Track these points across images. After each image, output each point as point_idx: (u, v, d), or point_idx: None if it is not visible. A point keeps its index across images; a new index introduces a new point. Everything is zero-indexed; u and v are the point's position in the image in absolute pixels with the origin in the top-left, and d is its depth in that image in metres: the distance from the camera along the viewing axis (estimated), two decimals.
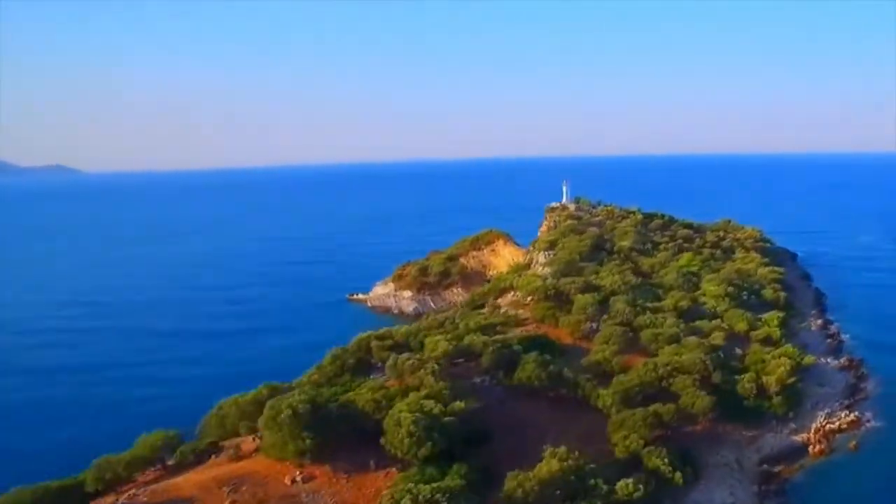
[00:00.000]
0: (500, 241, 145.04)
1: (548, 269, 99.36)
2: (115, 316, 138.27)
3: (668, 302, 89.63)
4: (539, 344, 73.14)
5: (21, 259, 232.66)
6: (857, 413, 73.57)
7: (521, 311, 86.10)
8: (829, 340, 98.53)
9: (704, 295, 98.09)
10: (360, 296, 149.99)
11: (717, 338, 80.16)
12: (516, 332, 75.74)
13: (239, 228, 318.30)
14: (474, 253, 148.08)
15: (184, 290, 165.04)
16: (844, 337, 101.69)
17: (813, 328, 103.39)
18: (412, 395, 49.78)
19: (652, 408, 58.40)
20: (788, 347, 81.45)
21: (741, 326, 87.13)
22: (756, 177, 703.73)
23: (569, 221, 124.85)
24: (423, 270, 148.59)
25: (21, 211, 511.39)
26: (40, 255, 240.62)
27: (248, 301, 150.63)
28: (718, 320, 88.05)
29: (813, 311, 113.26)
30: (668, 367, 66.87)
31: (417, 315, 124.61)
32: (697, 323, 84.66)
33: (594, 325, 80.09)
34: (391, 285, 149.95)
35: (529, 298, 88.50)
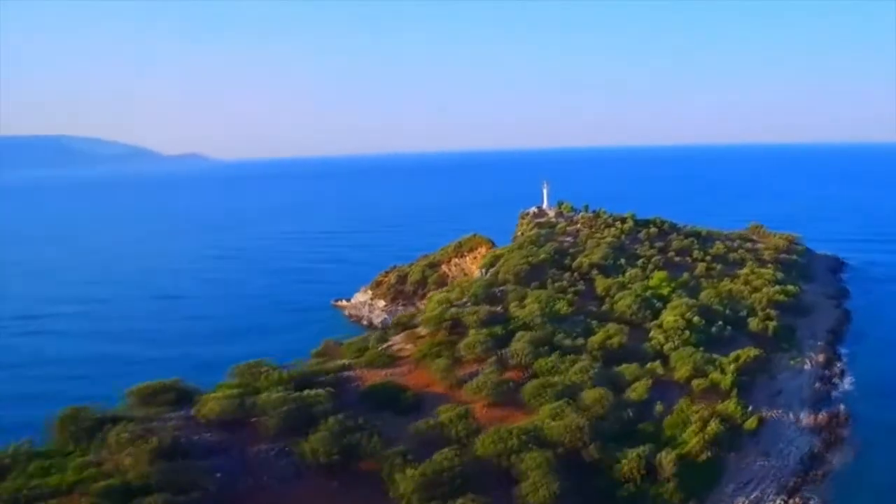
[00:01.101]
0: (484, 248, 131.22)
1: (472, 290, 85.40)
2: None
3: (596, 338, 73.99)
4: (386, 395, 60.54)
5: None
6: (798, 501, 56.20)
7: (409, 347, 73.21)
8: (818, 385, 79.42)
9: (661, 326, 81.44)
10: (343, 302, 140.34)
11: (639, 389, 64.36)
12: (366, 378, 63.33)
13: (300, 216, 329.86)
14: (457, 260, 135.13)
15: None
16: (846, 381, 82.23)
17: (808, 366, 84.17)
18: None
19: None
20: (730, 403, 64.53)
21: (682, 372, 70.51)
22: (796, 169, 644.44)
23: (534, 231, 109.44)
24: (403, 278, 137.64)
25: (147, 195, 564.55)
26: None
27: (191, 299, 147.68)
28: (658, 363, 71.74)
29: (821, 343, 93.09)
30: (523, 437, 52.56)
31: (386, 328, 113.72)
32: (622, 368, 68.79)
33: (480, 369, 66.16)
34: (369, 293, 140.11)
35: (425, 331, 75.44)
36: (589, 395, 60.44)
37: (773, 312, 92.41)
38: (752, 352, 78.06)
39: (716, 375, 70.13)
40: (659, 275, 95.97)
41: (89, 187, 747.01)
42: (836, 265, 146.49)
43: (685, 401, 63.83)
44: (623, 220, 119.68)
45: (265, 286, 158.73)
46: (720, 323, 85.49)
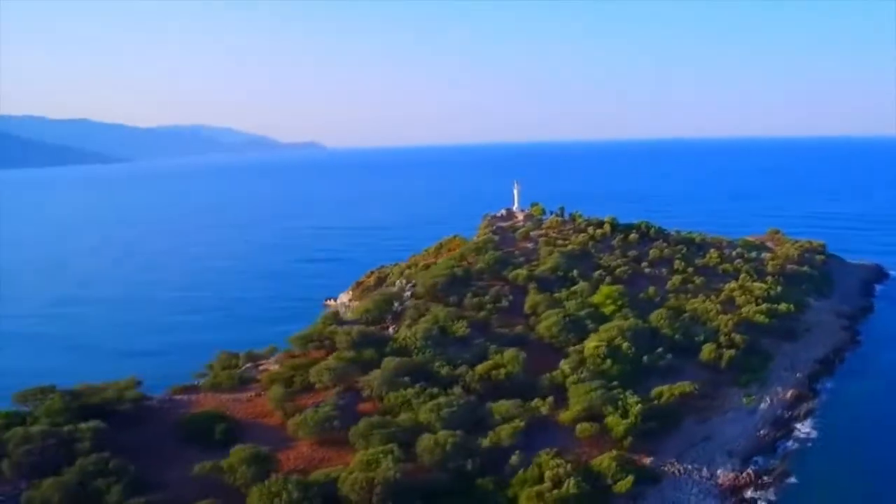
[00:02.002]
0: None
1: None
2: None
3: (481, 367, 64.33)
4: (197, 426, 53.93)
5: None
6: None
7: (274, 368, 66.12)
8: (764, 431, 66.17)
9: (582, 352, 70.41)
10: (332, 301, 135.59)
11: (503, 433, 54.42)
12: (199, 403, 56.93)
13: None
14: (434, 262, 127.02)
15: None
16: (806, 427, 68.37)
17: (765, 405, 70.84)
18: None
19: None
20: (606, 457, 53.55)
21: (569, 413, 59.83)
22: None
23: (485, 237, 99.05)
24: (382, 280, 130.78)
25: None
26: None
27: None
28: (549, 400, 61.32)
29: (799, 375, 78.71)
30: (300, 493, 44.42)
31: None
32: (497, 405, 58.76)
33: (324, 399, 58.15)
34: (349, 294, 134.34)
35: (297, 350, 68.08)
36: (423, 442, 51.37)
37: (739, 337, 78.84)
38: (682, 388, 66.06)
39: (612, 419, 59.02)
40: (606, 289, 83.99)
41: (221, 172, 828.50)
42: (875, 276, 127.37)
43: (547, 452, 53.31)
44: (599, 225, 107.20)
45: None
46: (660, 350, 73.35)
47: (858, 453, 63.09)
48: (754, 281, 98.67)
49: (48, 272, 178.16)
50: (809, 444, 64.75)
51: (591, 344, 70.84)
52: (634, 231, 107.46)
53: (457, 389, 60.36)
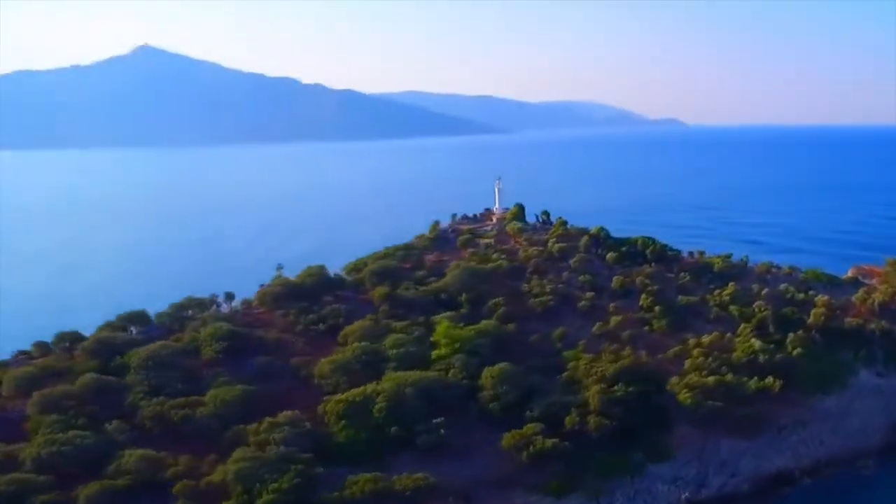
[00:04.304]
0: None
1: None
2: None
3: (171, 403, 54.74)
4: None
5: None
6: None
7: None
8: None
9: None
10: None
11: None
12: None
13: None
14: None
15: None
16: None
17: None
18: None
19: None
20: None
21: None
22: None
23: (416, 240, 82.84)
24: None
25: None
26: None
27: None
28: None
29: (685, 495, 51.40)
30: None
31: None
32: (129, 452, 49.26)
33: None
34: None
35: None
36: None
37: (594, 420, 54.43)
38: (396, 482, 47.85)
39: None
40: (444, 325, 64.29)
41: (592, 145, 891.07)
42: None
43: None
44: (565, 235, 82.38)
45: None
46: (439, 420, 54.16)
47: None
48: (750, 333, 67.25)
49: None
50: None
51: (337, 398, 55.42)
52: (627, 246, 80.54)
53: (116, 423, 52.35)
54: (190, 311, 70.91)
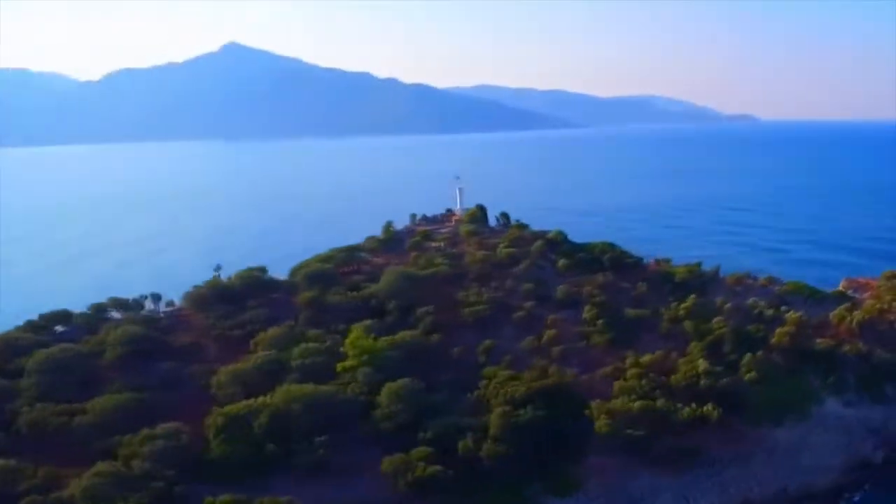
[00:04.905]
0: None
1: None
2: None
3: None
4: None
5: None
6: None
7: None
8: None
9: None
10: None
11: None
12: None
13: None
14: None
15: None
16: None
17: None
18: None
19: None
20: None
21: None
22: None
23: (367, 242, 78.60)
24: None
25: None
26: None
27: None
28: None
29: None
30: None
31: None
32: None
33: None
34: None
35: None
36: None
37: (499, 448, 49.52)
38: None
39: None
40: (357, 331, 60.07)
41: (660, 141, 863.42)
42: None
43: None
44: (519, 239, 76.61)
45: None
46: (322, 439, 50.46)
47: None
48: (700, 352, 60.63)
49: None
50: None
51: (220, 410, 52.26)
52: (567, 257, 74.38)
53: None
54: (112, 312, 69.12)
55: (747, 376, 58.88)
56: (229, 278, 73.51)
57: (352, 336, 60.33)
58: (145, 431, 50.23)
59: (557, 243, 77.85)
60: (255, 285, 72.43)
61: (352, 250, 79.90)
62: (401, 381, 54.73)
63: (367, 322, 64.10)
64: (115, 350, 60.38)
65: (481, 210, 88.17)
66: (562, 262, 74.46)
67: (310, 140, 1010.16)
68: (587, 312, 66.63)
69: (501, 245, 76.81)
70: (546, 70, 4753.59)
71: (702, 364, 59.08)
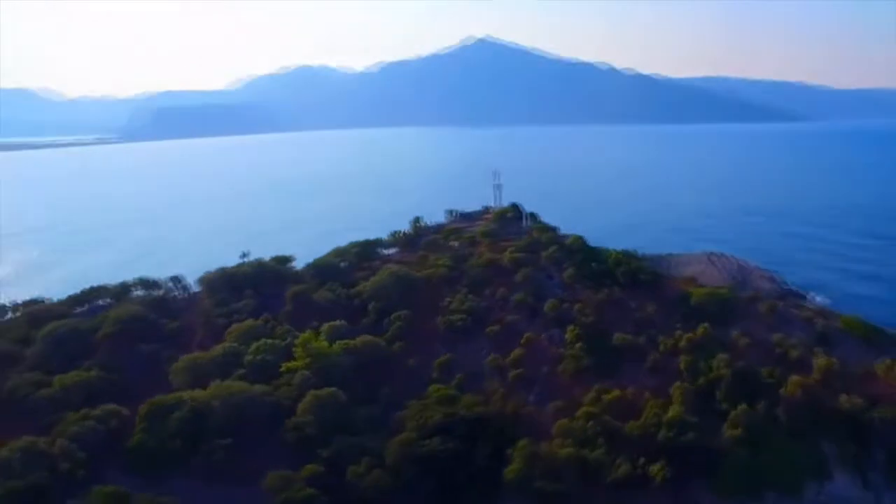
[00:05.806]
0: None
1: None
2: None
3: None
4: None
5: None
6: None
7: None
8: None
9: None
10: None
11: None
12: None
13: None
14: None
15: None
16: None
17: None
18: None
19: None
20: None
21: None
22: None
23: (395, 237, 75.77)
24: None
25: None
26: None
27: None
28: None
29: None
30: None
31: None
32: None
33: None
34: None
35: None
36: None
37: (386, 479, 46.22)
38: None
39: None
40: (304, 337, 57.90)
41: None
42: None
43: None
44: (534, 243, 67.89)
45: None
46: (226, 441, 50.57)
47: None
48: (681, 397, 50.77)
49: None
50: None
51: (151, 400, 54.45)
52: (578, 267, 65.20)
53: None
54: (136, 291, 74.77)
55: (729, 433, 48.20)
56: (241, 265, 75.92)
57: (303, 337, 59.30)
58: (84, 411, 53.82)
59: (574, 250, 69.47)
60: (263, 274, 74.08)
61: (366, 245, 78.40)
62: (327, 390, 52.89)
63: (337, 322, 62.74)
64: (107, 328, 65.36)
65: (516, 209, 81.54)
66: (568, 272, 66.39)
67: (570, 127, 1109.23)
68: (569, 333, 58.87)
69: (510, 249, 70.44)
70: (780, 60, 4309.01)
71: (673, 410, 49.48)
